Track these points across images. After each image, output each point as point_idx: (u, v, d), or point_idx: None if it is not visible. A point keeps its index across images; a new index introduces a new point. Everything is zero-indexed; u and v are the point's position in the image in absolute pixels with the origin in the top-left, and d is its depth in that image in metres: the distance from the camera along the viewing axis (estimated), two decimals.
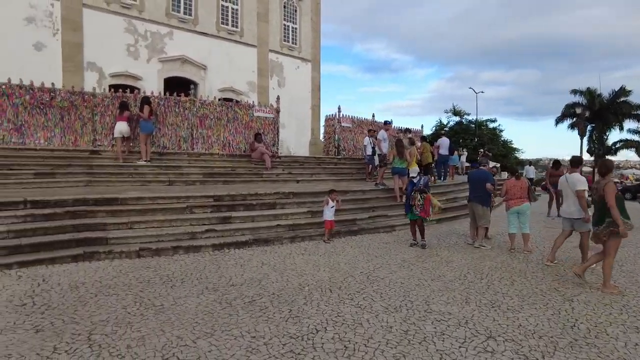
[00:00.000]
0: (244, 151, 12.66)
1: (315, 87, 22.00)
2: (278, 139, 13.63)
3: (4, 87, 9.45)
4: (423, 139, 13.71)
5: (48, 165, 9.31)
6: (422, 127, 19.17)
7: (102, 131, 10.71)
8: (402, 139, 11.10)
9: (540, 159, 76.13)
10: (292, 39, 21.07)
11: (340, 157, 15.20)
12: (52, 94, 10.02)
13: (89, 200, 7.29)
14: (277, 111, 13.51)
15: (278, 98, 13.85)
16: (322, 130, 18.74)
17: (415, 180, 7.57)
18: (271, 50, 20.01)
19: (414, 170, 7.70)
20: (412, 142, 11.06)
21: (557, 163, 12.29)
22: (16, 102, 9.57)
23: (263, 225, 7.93)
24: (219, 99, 13.65)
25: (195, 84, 16.93)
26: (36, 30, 13.42)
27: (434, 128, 40.79)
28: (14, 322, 3.89)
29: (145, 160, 10.40)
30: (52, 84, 10.27)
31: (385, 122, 12.16)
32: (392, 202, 10.39)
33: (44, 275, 5.34)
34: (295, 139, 19.80)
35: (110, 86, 12.98)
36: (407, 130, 14.28)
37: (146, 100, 10.57)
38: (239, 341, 3.61)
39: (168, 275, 5.50)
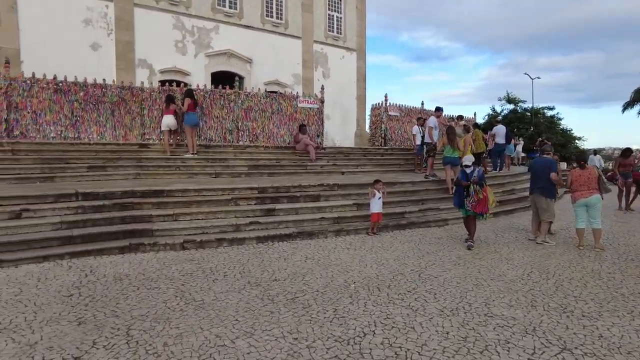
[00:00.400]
0: (288, 143, 12.49)
1: (360, 76, 21.47)
2: (323, 130, 13.34)
3: (61, 84, 9.84)
4: (476, 126, 12.87)
5: (100, 158, 9.60)
6: (474, 114, 18.10)
7: (150, 125, 10.92)
8: (455, 126, 10.42)
9: (603, 149, 70.76)
10: (337, 28, 20.64)
11: (387, 147, 14.65)
12: (103, 89, 10.33)
13: (137, 193, 7.37)
14: (322, 101, 13.21)
15: (322, 88, 13.53)
16: (368, 120, 18.25)
17: (468, 171, 6.88)
18: (316, 41, 19.72)
19: (469, 158, 7.00)
20: (467, 130, 10.31)
21: (627, 151, 11.06)
22: (71, 99, 9.95)
23: (307, 217, 7.68)
24: (265, 91, 13.54)
25: (241, 78, 16.99)
26: (93, 31, 14.04)
27: (486, 117, 38.78)
28: (60, 313, 3.88)
29: (192, 153, 10.49)
30: (104, 79, 10.57)
31: (437, 109, 11.47)
32: (444, 194, 9.79)
33: (92, 266, 5.40)
34: (340, 131, 19.45)
35: (160, 82, 13.26)
36: (460, 117, 13.47)
37: (188, 93, 10.62)
38: (279, 342, 3.36)
39: (211, 269, 5.38)
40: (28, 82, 9.49)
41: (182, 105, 10.45)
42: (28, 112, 9.51)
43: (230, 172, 10.41)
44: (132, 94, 10.62)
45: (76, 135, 10.10)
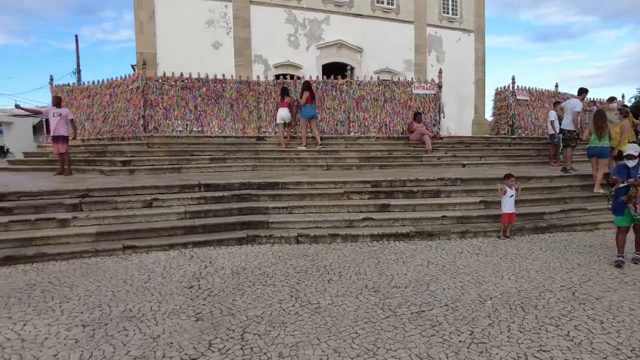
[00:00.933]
0: (402, 133, 11.77)
1: (479, 59, 19.63)
2: (440, 118, 12.31)
3: (186, 81, 10.54)
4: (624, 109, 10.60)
5: (221, 151, 10.07)
6: (622, 96, 15.16)
7: (266, 118, 11.16)
8: (606, 111, 8.65)
9: None
10: (452, 9, 19.09)
11: (514, 136, 13.00)
12: (223, 85, 10.81)
13: (253, 184, 7.46)
14: (439, 87, 12.16)
15: (440, 71, 12.45)
16: (488, 106, 16.53)
17: (631, 165, 5.29)
18: (429, 25, 18.50)
19: (633, 147, 5.47)
20: (624, 114, 8.44)
21: None
22: (196, 94, 10.60)
23: (426, 215, 6.97)
24: (377, 79, 12.97)
25: (352, 68, 16.67)
26: (214, 31, 15.07)
27: (632, 99, 32.82)
28: (180, 306, 3.89)
29: (305, 146, 10.46)
30: (223, 75, 11.07)
31: (580, 91, 9.69)
32: (590, 192, 8.19)
33: (211, 257, 5.50)
34: (455, 118, 17.99)
35: (275, 76, 13.59)
36: (612, 99, 11.29)
37: (306, 86, 10.54)
38: None
39: (325, 267, 5.08)
40: (160, 80, 10.34)
41: (301, 97, 10.41)
42: (160, 109, 10.38)
43: (341, 165, 10.12)
44: (249, 88, 10.95)
45: (200, 129, 10.75)
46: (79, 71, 26.40)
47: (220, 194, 7.06)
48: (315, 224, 6.58)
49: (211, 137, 10.68)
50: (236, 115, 10.97)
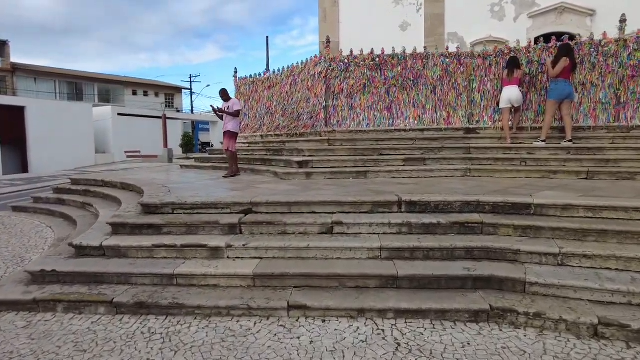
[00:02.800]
0: None
1: None
2: None
3: (377, 59, 8.27)
4: None
5: (418, 148, 7.49)
6: None
7: (481, 102, 8.07)
8: None
9: None
10: None
11: None
12: (424, 61, 8.16)
13: (484, 205, 4.60)
14: None
15: None
16: None
17: None
18: None
19: None
20: None
21: None
22: (388, 75, 8.24)
23: None
24: None
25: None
26: (402, 10, 13.24)
27: None
28: None
29: (544, 140, 7.02)
30: (425, 47, 8.44)
31: None
32: None
33: (432, 349, 2.91)
34: None
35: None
36: None
37: (565, 50, 6.95)
38: None
39: None
40: (345, 61, 8.32)
41: (553, 67, 6.94)
42: (344, 97, 8.38)
43: (610, 171, 6.30)
44: (459, 63, 8.03)
45: (390, 122, 8.38)
46: (267, 71, 27.56)
47: (432, 219, 4.44)
48: (625, 296, 3.35)
49: (405, 130, 8.19)
50: (439, 101, 8.20)
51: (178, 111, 45.48)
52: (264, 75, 10.35)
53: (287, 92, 9.55)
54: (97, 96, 39.67)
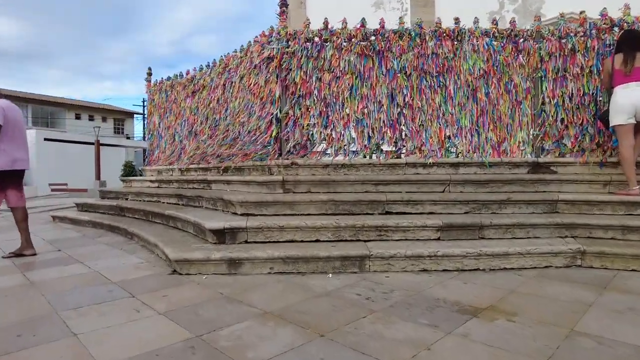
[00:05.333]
0: None
1: None
2: None
3: (373, 37, 4.59)
4: None
5: (459, 202, 3.83)
6: None
7: (558, 116, 4.51)
8: None
9: None
10: None
11: None
12: (455, 42, 4.60)
13: None
14: None
15: None
16: None
17: None
18: None
19: None
20: None
21: None
22: (394, 66, 4.58)
23: None
24: None
25: None
26: (384, 15, 10.19)
27: None
28: None
29: None
30: (457, 19, 4.92)
31: None
32: None
33: None
34: None
35: None
36: None
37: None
38: None
39: None
40: (316, 39, 4.61)
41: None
42: (314, 103, 4.64)
43: None
44: (515, 49, 4.49)
45: (398, 149, 4.67)
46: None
47: None
48: None
49: (426, 164, 4.47)
50: (483, 114, 4.59)
51: (128, 138, 40.73)
52: (187, 75, 6.50)
53: (218, 100, 5.73)
54: (30, 119, 34.57)
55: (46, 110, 37.16)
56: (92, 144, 24.94)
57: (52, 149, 24.51)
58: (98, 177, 21.40)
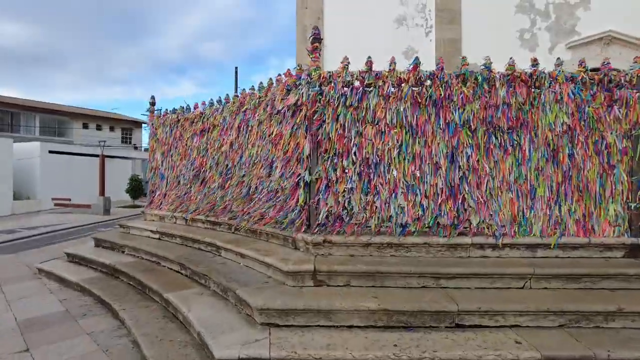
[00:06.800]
0: None
1: None
2: None
3: (430, 81, 3.67)
4: None
5: (552, 314, 2.85)
6: None
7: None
8: None
9: None
10: None
11: None
12: (533, 88, 3.65)
13: None
14: None
15: None
16: None
17: None
18: None
19: None
20: None
21: None
22: (454, 119, 3.65)
23: None
24: None
25: None
26: (407, 33, 10.10)
27: None
28: None
29: None
30: (535, 61, 3.97)
31: None
32: None
33: None
34: None
35: None
36: None
37: None
38: None
39: None
40: (357, 83, 3.71)
41: None
42: (352, 163, 3.72)
43: None
44: (610, 97, 3.55)
45: (458, 224, 3.72)
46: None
47: None
48: None
49: (495, 246, 3.52)
50: (565, 181, 3.64)
51: (136, 148, 40.08)
52: (195, 109, 5.61)
53: (231, 144, 4.82)
54: (38, 128, 34.08)
55: (54, 120, 36.72)
56: (98, 156, 24.30)
57: (57, 161, 23.93)
58: (102, 193, 20.66)
